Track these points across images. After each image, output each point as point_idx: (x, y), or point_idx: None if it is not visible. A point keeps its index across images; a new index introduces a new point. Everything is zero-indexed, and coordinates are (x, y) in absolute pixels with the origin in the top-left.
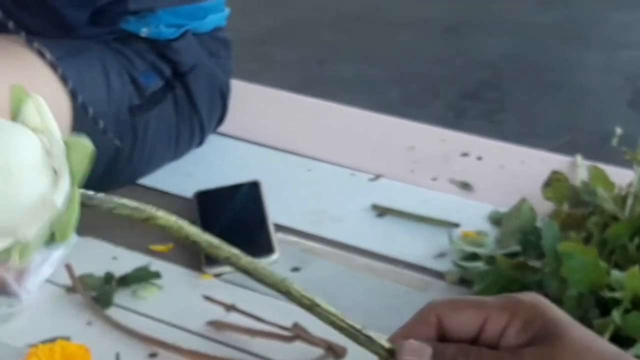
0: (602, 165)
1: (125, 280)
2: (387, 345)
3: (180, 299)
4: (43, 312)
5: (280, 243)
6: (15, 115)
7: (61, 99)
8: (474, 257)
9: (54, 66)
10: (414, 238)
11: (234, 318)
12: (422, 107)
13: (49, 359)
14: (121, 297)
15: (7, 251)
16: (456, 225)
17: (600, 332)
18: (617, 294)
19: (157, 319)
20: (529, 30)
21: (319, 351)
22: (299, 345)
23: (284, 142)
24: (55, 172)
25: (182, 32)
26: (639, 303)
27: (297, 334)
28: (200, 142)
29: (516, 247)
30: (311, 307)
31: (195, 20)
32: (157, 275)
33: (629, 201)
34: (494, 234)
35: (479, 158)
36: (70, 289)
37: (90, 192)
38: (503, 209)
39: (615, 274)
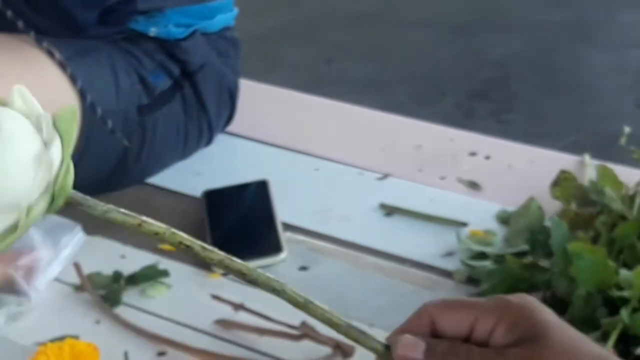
0: (610, 165)
1: (134, 279)
2: (383, 341)
3: (188, 297)
4: (52, 311)
5: (288, 242)
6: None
7: (70, 98)
8: (481, 256)
9: (63, 66)
10: (421, 237)
11: (242, 317)
12: (430, 106)
13: (57, 358)
14: (129, 295)
15: (14, 227)
16: (464, 224)
17: (608, 331)
18: (625, 293)
19: (166, 317)
20: (538, 30)
21: (326, 350)
22: (306, 344)
23: (292, 141)
24: (45, 144)
25: (191, 32)
26: None
27: (305, 332)
28: (209, 142)
29: (524, 246)
30: (305, 306)
31: (204, 20)
32: (165, 273)
33: (637, 200)
34: (502, 233)
35: (487, 157)
36: (78, 288)
37: (82, 195)
38: (511, 208)
39: (624, 273)
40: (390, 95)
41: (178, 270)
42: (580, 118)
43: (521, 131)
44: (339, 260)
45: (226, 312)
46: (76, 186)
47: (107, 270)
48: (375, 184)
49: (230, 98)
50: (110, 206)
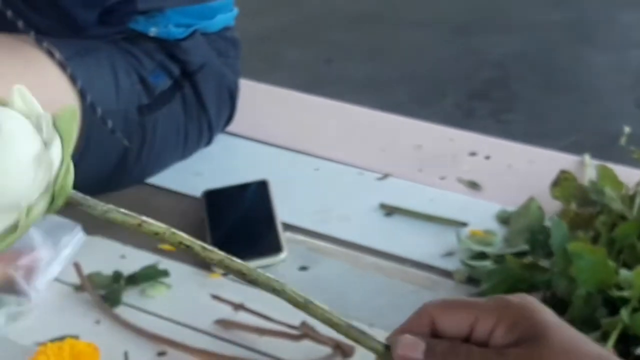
0: (610, 165)
1: (134, 279)
2: (383, 341)
3: (188, 297)
4: (52, 311)
5: (288, 242)
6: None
7: (70, 98)
8: (481, 256)
9: (63, 66)
10: (421, 237)
11: (242, 317)
12: (430, 106)
13: (57, 358)
14: (129, 295)
15: (14, 228)
16: (464, 224)
17: (608, 331)
18: (625, 293)
19: (166, 317)
20: (538, 30)
21: (326, 350)
22: (306, 344)
23: (292, 141)
24: (45, 144)
25: (191, 32)
26: None
27: (305, 332)
28: (209, 142)
29: (524, 246)
30: (305, 306)
31: (204, 20)
32: (165, 273)
33: (637, 200)
34: (502, 233)
35: (487, 157)
36: (78, 288)
37: (82, 195)
38: (511, 208)
39: (624, 273)
40: (390, 95)
41: (178, 270)
42: (580, 118)
43: (521, 131)
44: (339, 260)
45: (226, 312)
46: (76, 186)
47: (107, 270)
48: (375, 184)
49: (230, 98)
50: (110, 206)
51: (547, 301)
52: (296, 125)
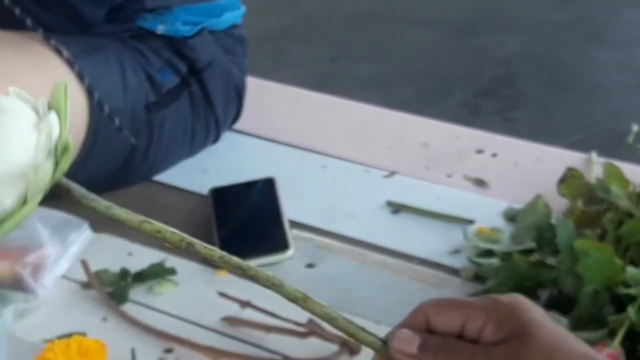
0: (617, 163)
1: (141, 276)
2: (381, 336)
3: (195, 295)
4: (59, 308)
5: (295, 239)
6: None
7: (77, 96)
8: (488, 253)
9: (70, 63)
10: (428, 234)
11: (249, 314)
12: (436, 104)
13: (65, 354)
14: (137, 293)
15: (21, 203)
16: (471, 221)
17: (615, 328)
18: (632, 291)
19: (173, 314)
20: (544, 27)
21: (333, 347)
22: (313, 341)
23: (299, 139)
24: (42, 116)
25: (199, 30)
26: None
27: (312, 330)
28: (216, 139)
29: (531, 244)
30: (305, 301)
31: (212, 18)
32: (172, 271)
33: None
34: (508, 231)
35: (494, 155)
36: (86, 285)
37: (85, 191)
38: (518, 205)
39: (631, 270)
40: (396, 93)
41: (185, 267)
42: (587, 116)
43: (527, 129)
44: (345, 258)
45: (233, 309)
46: (83, 183)
47: (114, 267)
48: (382, 181)
49: (238, 96)
50: (111, 204)
51: (554, 299)
52: (303, 123)
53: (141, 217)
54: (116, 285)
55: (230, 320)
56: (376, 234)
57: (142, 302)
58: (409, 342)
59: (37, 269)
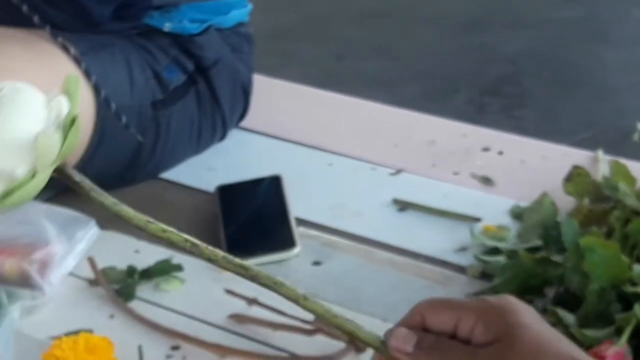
0: (623, 160)
1: (148, 274)
2: (379, 335)
3: (202, 292)
4: (66, 305)
5: (301, 237)
6: None
7: (84, 93)
8: (495, 251)
9: (77, 61)
10: (435, 232)
11: (256, 311)
12: (442, 102)
13: (72, 351)
14: (144, 290)
15: (31, 176)
16: (477, 219)
17: (622, 326)
18: (639, 289)
19: (180, 312)
20: (550, 26)
21: (340, 345)
22: (320, 338)
23: (306, 136)
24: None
25: (205, 27)
26: None
27: (319, 327)
28: (223, 137)
29: (537, 242)
30: (305, 300)
31: (219, 16)
32: (179, 268)
33: None
34: (515, 229)
35: (500, 153)
36: (93, 282)
37: (95, 185)
38: (524, 203)
39: (637, 268)
40: (402, 91)
41: (192, 264)
42: (593, 114)
43: (533, 127)
44: (352, 256)
45: (240, 306)
46: (90, 181)
47: (121, 264)
48: (388, 179)
49: (244, 93)
50: (118, 201)
51: (560, 296)
52: (309, 121)
53: (146, 218)
54: (123, 283)
55: (237, 318)
56: (382, 232)
57: (149, 300)
58: (406, 340)
59: (44, 266)
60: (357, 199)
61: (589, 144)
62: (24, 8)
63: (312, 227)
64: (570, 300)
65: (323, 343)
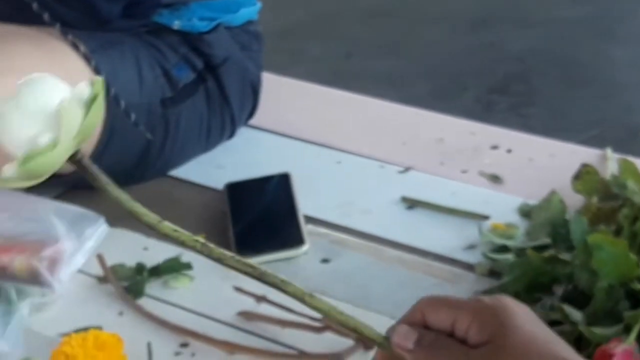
0: (632, 158)
1: (157, 271)
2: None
3: (211, 289)
4: (75, 302)
5: (310, 235)
6: None
7: None
8: (503, 249)
9: (87, 58)
10: (443, 230)
11: (265, 309)
12: (450, 100)
13: (81, 348)
14: (152, 287)
15: (53, 145)
16: (486, 217)
17: (631, 324)
18: None
19: (188, 309)
20: (558, 24)
21: (348, 342)
22: (329, 336)
23: (314, 134)
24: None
25: (215, 25)
26: None
27: (327, 324)
28: (231, 135)
29: (546, 240)
30: (310, 297)
31: (228, 14)
32: (188, 266)
33: None
34: (523, 227)
35: (509, 151)
36: (102, 279)
37: (110, 180)
38: (533, 201)
39: None
40: (410, 89)
41: (201, 262)
42: (601, 112)
43: (541, 125)
44: (361, 253)
45: (249, 304)
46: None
47: (131, 262)
48: (396, 177)
49: (253, 91)
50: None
51: (569, 294)
52: (318, 119)
53: (157, 218)
54: (132, 280)
55: (246, 315)
56: (391, 230)
57: (158, 297)
58: (407, 337)
59: (54, 263)
60: (365, 196)
61: (597, 141)
62: (34, 6)
63: (321, 225)
64: (579, 298)
65: (332, 340)
